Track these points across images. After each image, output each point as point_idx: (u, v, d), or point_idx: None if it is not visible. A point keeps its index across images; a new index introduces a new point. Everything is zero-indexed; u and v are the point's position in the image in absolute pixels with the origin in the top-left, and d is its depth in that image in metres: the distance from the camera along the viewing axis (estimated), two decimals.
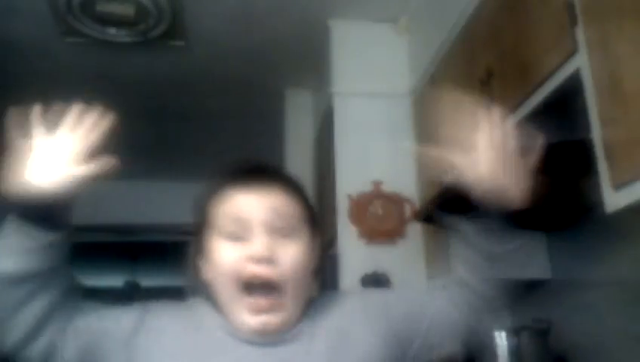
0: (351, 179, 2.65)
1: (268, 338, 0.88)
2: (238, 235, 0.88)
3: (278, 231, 0.89)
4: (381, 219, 2.60)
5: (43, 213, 0.82)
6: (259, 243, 0.87)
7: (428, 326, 0.96)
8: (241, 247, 0.88)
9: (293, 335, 0.90)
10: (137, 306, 0.93)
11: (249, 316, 0.87)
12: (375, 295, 1.05)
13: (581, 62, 1.49)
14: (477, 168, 0.90)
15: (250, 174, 0.93)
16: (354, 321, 0.94)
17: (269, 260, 0.86)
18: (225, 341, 0.89)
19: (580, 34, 1.49)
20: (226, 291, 0.89)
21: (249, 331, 0.88)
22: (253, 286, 0.87)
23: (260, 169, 0.96)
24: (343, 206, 2.60)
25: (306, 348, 0.89)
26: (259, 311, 0.87)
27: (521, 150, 0.91)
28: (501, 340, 1.95)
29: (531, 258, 2.27)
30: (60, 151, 0.83)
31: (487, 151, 0.89)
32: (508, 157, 0.89)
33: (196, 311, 0.94)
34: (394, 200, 2.63)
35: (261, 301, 0.87)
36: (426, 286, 1.09)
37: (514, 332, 1.95)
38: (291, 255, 0.89)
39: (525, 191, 0.90)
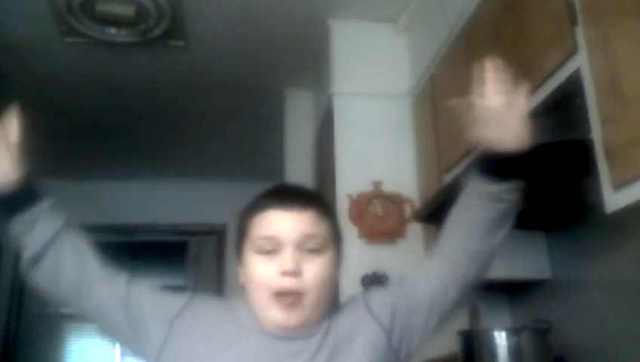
0: (351, 179, 2.65)
1: (287, 333, 1.03)
2: (271, 251, 1.03)
3: (305, 248, 1.03)
4: (381, 219, 2.59)
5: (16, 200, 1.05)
6: (288, 260, 1.01)
7: (427, 311, 1.07)
8: (273, 262, 1.02)
9: (310, 333, 1.04)
10: (186, 293, 1.13)
11: (275, 313, 1.02)
12: (379, 294, 1.14)
13: (581, 62, 1.49)
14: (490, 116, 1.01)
15: (286, 198, 1.07)
16: (361, 324, 1.06)
17: (295, 273, 1.01)
18: (250, 331, 1.04)
19: (580, 34, 1.49)
20: (257, 297, 1.04)
21: (273, 325, 1.03)
22: (280, 295, 1.01)
23: (295, 193, 1.11)
24: (342, 206, 2.60)
25: (317, 346, 1.02)
26: (284, 310, 1.01)
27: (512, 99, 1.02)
28: (501, 340, 1.94)
29: (531, 258, 2.27)
30: None
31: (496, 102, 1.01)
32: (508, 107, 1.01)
33: (233, 306, 1.10)
34: (394, 200, 2.62)
35: (287, 301, 1.01)
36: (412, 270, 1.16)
37: (514, 332, 1.95)
38: (315, 268, 1.03)
39: (524, 134, 1.01)
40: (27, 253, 1.06)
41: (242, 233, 1.08)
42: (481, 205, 1.05)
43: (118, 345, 7.14)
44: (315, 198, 1.12)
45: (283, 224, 1.03)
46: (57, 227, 1.07)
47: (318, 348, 1.02)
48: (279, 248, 1.02)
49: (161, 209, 4.82)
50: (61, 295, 1.08)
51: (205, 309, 1.10)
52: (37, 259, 1.06)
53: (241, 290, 1.08)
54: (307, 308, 1.02)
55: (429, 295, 1.07)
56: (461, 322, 2.27)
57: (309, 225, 1.04)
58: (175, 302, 1.09)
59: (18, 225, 1.06)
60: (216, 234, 4.86)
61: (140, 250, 6.09)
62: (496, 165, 1.02)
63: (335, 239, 1.09)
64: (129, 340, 1.08)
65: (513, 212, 1.06)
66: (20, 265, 1.08)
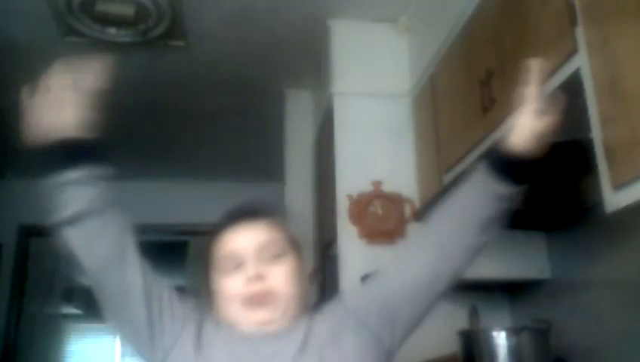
0: (351, 179, 2.65)
1: (267, 329, 1.07)
2: (235, 267, 1.11)
3: (266, 257, 1.11)
4: (381, 219, 2.59)
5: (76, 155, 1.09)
6: (251, 268, 1.09)
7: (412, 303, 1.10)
8: (238, 276, 1.10)
9: (289, 333, 1.07)
10: (190, 300, 1.17)
11: (249, 314, 1.08)
12: (359, 290, 1.21)
13: (581, 62, 1.49)
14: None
15: (238, 216, 1.16)
16: (345, 323, 1.09)
17: (260, 277, 1.08)
18: (235, 338, 1.09)
19: (580, 34, 1.49)
20: (231, 308, 1.10)
21: (251, 326, 1.08)
22: (252, 299, 1.08)
23: (246, 210, 1.18)
24: (342, 206, 2.60)
25: (300, 343, 1.05)
26: (256, 309, 1.08)
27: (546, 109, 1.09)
28: (501, 340, 1.95)
29: (531, 258, 2.27)
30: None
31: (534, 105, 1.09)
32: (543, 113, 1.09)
33: (218, 319, 1.14)
34: (394, 200, 2.62)
35: (257, 301, 1.08)
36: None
37: (514, 332, 1.95)
38: (279, 271, 1.10)
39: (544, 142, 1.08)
40: (71, 207, 1.03)
41: (207, 260, 1.16)
42: (488, 203, 1.07)
43: (118, 345, 7.15)
44: (265, 210, 1.20)
45: (239, 239, 1.12)
46: (108, 198, 1.09)
47: (302, 345, 1.05)
48: (241, 262, 1.10)
49: (161, 209, 4.82)
50: (89, 262, 1.05)
51: (203, 321, 1.13)
52: (79, 217, 1.03)
53: (217, 312, 1.13)
54: (278, 305, 1.08)
55: (416, 286, 1.08)
56: (461, 322, 2.27)
57: (263, 234, 1.13)
58: (185, 308, 1.13)
59: (72, 174, 1.05)
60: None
61: (140, 249, 6.10)
62: (515, 168, 1.05)
63: (293, 245, 1.16)
64: (137, 332, 1.08)
65: (512, 212, 1.09)
66: (51, 216, 1.04)
